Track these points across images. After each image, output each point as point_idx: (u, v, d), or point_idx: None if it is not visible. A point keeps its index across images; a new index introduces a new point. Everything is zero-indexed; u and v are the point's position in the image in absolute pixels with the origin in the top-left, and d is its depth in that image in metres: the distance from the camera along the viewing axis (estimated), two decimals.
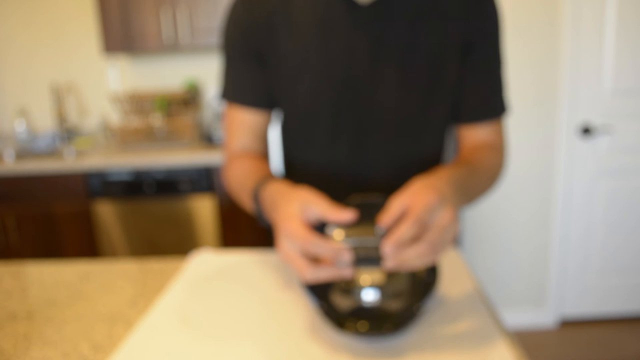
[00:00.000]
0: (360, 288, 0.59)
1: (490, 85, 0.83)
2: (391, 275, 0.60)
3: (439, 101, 0.81)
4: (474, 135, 0.85)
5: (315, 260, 0.55)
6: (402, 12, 0.77)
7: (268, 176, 0.74)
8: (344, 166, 0.84)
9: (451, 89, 0.81)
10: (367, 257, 0.54)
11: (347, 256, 0.53)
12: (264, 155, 0.89)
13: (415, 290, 0.60)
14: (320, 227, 0.58)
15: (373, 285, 0.59)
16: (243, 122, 0.87)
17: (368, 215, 0.67)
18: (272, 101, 0.86)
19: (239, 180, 0.81)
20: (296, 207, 0.57)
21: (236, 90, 0.86)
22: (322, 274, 0.53)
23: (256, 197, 0.72)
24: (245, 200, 0.80)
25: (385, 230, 0.54)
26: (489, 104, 0.83)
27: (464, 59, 0.80)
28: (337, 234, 0.56)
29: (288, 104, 0.85)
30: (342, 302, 0.59)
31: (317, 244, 0.53)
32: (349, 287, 0.60)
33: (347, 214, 0.55)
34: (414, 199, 0.54)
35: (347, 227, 0.57)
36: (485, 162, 0.80)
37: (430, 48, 0.77)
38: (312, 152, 0.87)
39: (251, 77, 0.84)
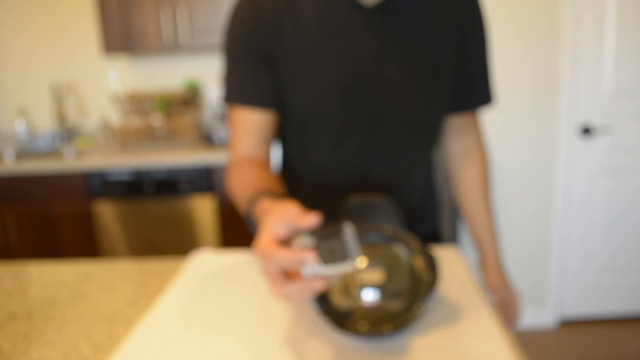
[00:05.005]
0: (361, 288, 0.59)
1: (480, 77, 0.91)
2: (391, 275, 0.60)
3: (439, 98, 0.85)
4: (459, 122, 0.95)
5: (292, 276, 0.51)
6: (405, 14, 0.79)
7: (262, 191, 0.69)
8: (350, 165, 0.85)
9: (449, 87, 0.86)
10: (333, 255, 0.49)
11: (308, 256, 0.48)
12: (268, 160, 0.86)
13: (416, 290, 0.60)
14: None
15: (373, 285, 0.59)
16: (248, 123, 0.84)
17: (367, 215, 0.67)
18: (277, 102, 0.84)
19: (239, 192, 0.78)
20: (268, 224, 0.52)
21: (241, 90, 0.83)
22: (292, 288, 0.49)
23: (248, 215, 0.69)
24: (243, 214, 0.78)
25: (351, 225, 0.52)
26: (479, 94, 0.92)
27: (459, 57, 0.85)
28: (302, 239, 0.52)
29: (295, 105, 0.83)
30: (342, 302, 0.59)
31: (278, 255, 0.49)
32: (349, 287, 0.60)
33: (311, 217, 0.51)
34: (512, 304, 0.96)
35: (315, 231, 0.52)
36: (486, 190, 0.98)
37: (431, 48, 0.81)
38: (318, 152, 0.86)
39: (256, 77, 0.82)
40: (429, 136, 0.89)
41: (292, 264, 0.49)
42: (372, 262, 0.61)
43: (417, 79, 0.81)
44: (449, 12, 0.81)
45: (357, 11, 0.78)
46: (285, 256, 0.48)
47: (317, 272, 0.49)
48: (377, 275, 0.59)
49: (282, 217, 0.52)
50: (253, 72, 0.81)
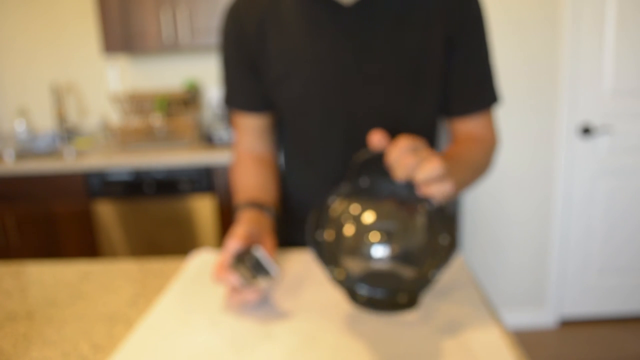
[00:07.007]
0: (371, 245, 0.55)
1: (477, 77, 0.83)
2: (403, 233, 0.55)
3: (426, 95, 0.82)
4: (464, 127, 0.86)
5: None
6: (385, 11, 0.78)
7: (246, 201, 0.80)
8: (335, 165, 0.86)
9: (438, 82, 0.82)
10: (254, 271, 0.62)
11: (229, 278, 0.63)
12: (269, 151, 0.95)
13: (430, 253, 0.55)
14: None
15: (383, 242, 0.55)
16: (244, 124, 0.92)
17: (379, 168, 0.59)
18: (266, 105, 0.89)
19: (236, 192, 0.88)
20: (224, 248, 0.66)
21: (234, 97, 0.90)
22: (233, 300, 0.65)
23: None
24: None
25: (262, 249, 0.64)
26: (477, 96, 0.84)
27: (449, 53, 0.80)
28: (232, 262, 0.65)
29: (282, 105, 0.87)
30: (354, 267, 0.56)
31: (219, 278, 0.63)
32: (359, 247, 0.56)
33: (230, 244, 0.65)
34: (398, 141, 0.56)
35: (239, 255, 0.65)
36: (470, 156, 0.80)
37: (414, 44, 0.78)
38: (304, 150, 0.89)
39: (246, 85, 0.88)
40: (417, 134, 0.84)
41: (227, 284, 0.64)
42: (384, 218, 0.56)
43: (399, 77, 0.79)
44: (435, 7, 0.78)
45: (336, 11, 0.78)
46: (222, 279, 0.63)
47: (245, 286, 0.64)
48: (388, 230, 0.55)
49: (230, 244, 0.65)
50: (242, 80, 0.88)
